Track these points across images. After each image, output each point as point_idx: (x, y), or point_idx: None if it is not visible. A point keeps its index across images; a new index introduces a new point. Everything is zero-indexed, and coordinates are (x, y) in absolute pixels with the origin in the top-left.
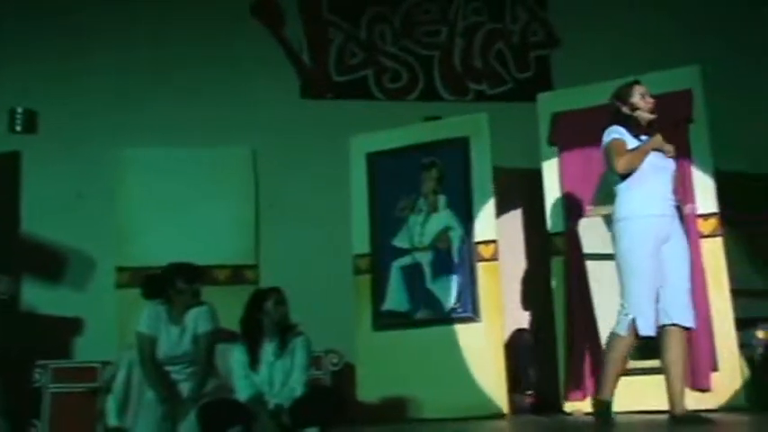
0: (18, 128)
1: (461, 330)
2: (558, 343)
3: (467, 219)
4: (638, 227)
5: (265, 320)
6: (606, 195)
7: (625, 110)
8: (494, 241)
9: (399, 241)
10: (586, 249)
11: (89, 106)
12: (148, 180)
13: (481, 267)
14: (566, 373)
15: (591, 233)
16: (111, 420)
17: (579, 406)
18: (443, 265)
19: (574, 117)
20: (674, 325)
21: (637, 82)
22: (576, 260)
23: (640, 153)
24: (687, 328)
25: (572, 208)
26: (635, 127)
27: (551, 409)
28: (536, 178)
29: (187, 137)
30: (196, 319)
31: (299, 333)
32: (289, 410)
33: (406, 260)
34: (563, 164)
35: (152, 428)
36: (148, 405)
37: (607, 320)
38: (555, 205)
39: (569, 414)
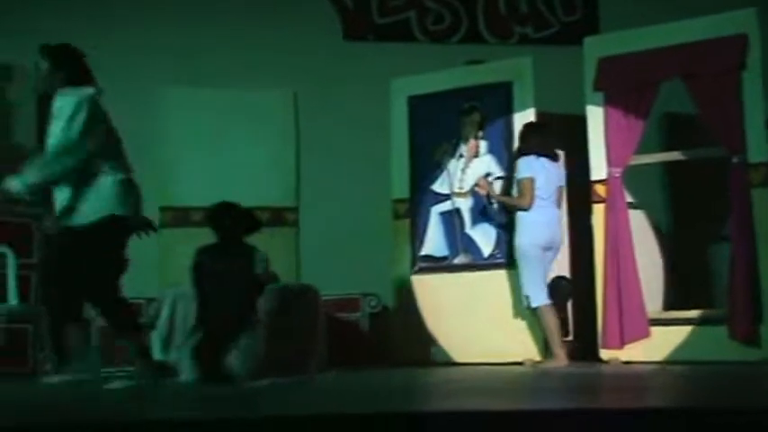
0: None
1: (499, 276)
2: (597, 291)
3: (508, 164)
4: None
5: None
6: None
7: None
8: None
9: (439, 186)
10: (629, 198)
11: (134, 45)
12: (192, 120)
13: None
14: (603, 321)
15: (634, 181)
16: (156, 354)
17: (616, 354)
18: (482, 211)
19: (621, 62)
20: None
21: None
22: (618, 208)
23: None
24: None
25: (615, 155)
26: None
27: (589, 356)
28: (580, 124)
29: (229, 79)
30: None
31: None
32: None
33: (445, 205)
34: (608, 110)
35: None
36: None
37: (647, 270)
38: (598, 152)
39: (606, 362)
